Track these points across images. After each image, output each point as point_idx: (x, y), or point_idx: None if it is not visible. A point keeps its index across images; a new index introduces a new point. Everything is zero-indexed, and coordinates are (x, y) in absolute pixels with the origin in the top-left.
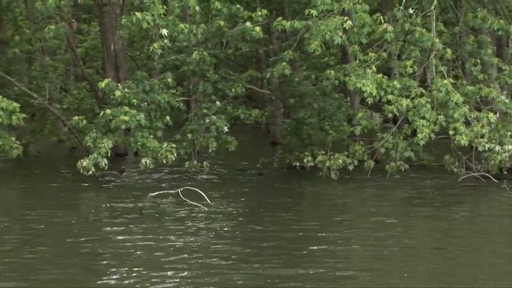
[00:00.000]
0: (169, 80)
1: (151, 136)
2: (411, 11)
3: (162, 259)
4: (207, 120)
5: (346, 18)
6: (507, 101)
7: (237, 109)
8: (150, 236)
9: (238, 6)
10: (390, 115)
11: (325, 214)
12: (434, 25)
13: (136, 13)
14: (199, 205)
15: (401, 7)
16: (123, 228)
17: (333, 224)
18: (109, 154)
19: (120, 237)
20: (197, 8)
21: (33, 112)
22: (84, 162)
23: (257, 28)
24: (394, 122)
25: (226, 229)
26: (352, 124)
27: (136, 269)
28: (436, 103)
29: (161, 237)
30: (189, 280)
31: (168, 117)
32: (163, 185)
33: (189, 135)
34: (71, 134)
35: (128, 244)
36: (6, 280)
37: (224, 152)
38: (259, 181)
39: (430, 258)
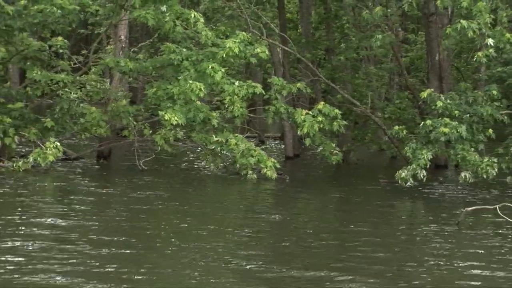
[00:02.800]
0: (494, 92)
1: (472, 149)
2: None
3: (475, 272)
4: None
5: None
6: None
7: None
8: (465, 249)
9: None
10: None
11: None
12: None
13: (461, 21)
14: None
15: None
16: (437, 238)
17: None
18: (427, 166)
19: (434, 246)
20: None
21: (355, 119)
22: (403, 173)
23: None
24: None
25: None
26: None
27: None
28: None
29: (474, 250)
30: None
31: (490, 130)
32: (481, 199)
33: None
34: (391, 143)
35: (442, 252)
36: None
37: None
38: None
39: None
